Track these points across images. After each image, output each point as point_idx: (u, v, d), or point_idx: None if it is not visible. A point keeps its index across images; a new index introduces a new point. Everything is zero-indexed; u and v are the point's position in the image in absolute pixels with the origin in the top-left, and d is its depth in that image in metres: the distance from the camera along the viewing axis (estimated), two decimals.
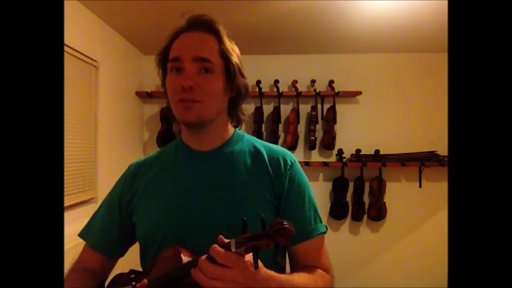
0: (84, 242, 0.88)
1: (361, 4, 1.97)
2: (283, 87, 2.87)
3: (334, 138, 2.85)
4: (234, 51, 0.79)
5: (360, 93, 2.88)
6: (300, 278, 0.70)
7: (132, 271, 0.79)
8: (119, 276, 0.80)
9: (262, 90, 2.81)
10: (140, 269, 0.81)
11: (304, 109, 2.92)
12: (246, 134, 0.89)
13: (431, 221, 2.95)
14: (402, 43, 2.68)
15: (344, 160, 2.86)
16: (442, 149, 2.83)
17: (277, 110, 2.84)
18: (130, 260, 0.93)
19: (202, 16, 0.78)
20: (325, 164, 2.85)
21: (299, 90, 2.82)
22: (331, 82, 2.86)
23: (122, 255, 0.90)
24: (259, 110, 2.84)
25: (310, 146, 2.87)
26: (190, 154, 0.83)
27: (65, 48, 1.81)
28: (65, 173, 1.82)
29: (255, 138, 0.89)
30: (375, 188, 2.86)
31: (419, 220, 2.96)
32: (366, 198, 2.92)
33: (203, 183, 0.79)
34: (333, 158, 2.96)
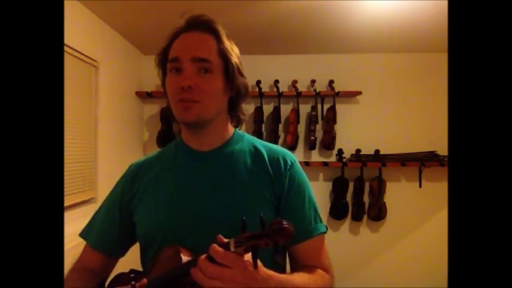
0: (85, 242, 0.88)
1: (361, 4, 1.97)
2: (283, 87, 2.87)
3: (334, 138, 2.85)
4: (233, 51, 0.79)
5: (360, 93, 2.88)
6: (299, 278, 0.70)
7: (132, 271, 0.79)
8: (119, 276, 0.80)
9: (262, 90, 2.81)
10: (141, 269, 0.81)
11: (304, 109, 2.92)
12: (246, 134, 0.89)
13: (431, 221, 2.95)
14: (402, 43, 2.68)
15: (344, 160, 2.86)
16: (442, 149, 2.83)
17: (277, 110, 2.84)
18: (130, 260, 0.93)
19: (201, 16, 0.78)
20: (325, 164, 2.85)
21: (299, 90, 2.82)
22: (331, 82, 2.86)
23: (123, 255, 0.90)
24: (259, 110, 2.84)
25: (310, 146, 2.87)
26: (190, 154, 0.83)
27: (65, 48, 1.81)
28: (65, 173, 1.82)
29: (255, 138, 0.89)
30: (375, 188, 2.86)
31: (419, 220, 2.96)
32: (366, 198, 2.92)
33: (203, 183, 0.79)
34: (333, 158, 2.96)
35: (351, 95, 2.91)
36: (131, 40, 2.64)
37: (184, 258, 0.66)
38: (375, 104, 2.96)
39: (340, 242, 2.97)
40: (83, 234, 0.89)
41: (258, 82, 2.83)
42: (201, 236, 0.66)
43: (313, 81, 2.86)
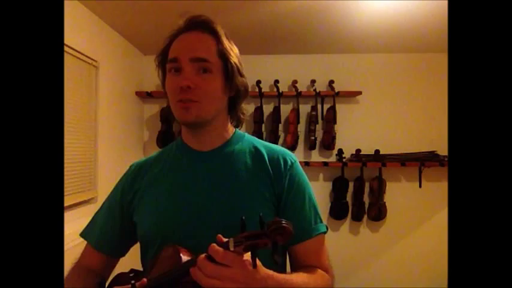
0: (85, 242, 0.88)
1: (361, 4, 1.97)
2: (283, 87, 2.87)
3: (334, 138, 2.85)
4: (232, 50, 0.79)
5: (360, 93, 2.88)
6: (299, 277, 0.70)
7: (132, 270, 0.79)
8: (120, 275, 0.80)
9: (262, 90, 2.82)
10: (141, 269, 0.81)
11: (304, 109, 2.92)
12: (246, 134, 0.89)
13: (431, 221, 2.95)
14: (402, 43, 2.68)
15: (344, 160, 2.87)
16: (442, 149, 2.83)
17: (277, 110, 2.84)
18: (131, 260, 0.93)
19: (200, 16, 0.78)
20: (325, 164, 2.85)
21: (299, 90, 2.82)
22: (331, 82, 2.86)
23: (123, 254, 0.90)
24: (259, 110, 2.84)
25: (310, 146, 2.87)
26: (190, 154, 0.83)
27: (65, 48, 1.81)
28: (65, 173, 1.82)
29: (255, 138, 0.89)
30: (375, 188, 2.86)
31: (419, 220, 2.96)
32: (366, 198, 2.92)
33: (203, 183, 0.79)
34: (333, 158, 2.96)
35: (351, 95, 2.91)
36: (131, 40, 2.64)
37: (184, 257, 0.66)
38: (375, 104, 2.96)
39: (340, 242, 2.97)
40: (83, 234, 0.89)
41: (258, 82, 2.83)
42: (201, 236, 0.66)
43: (313, 81, 2.86)
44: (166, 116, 2.84)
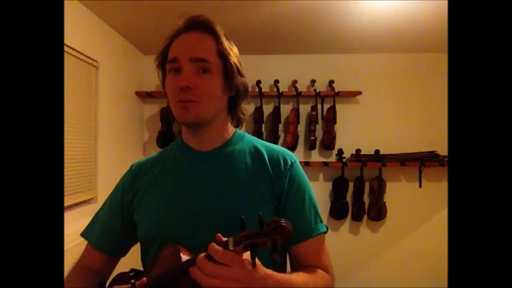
0: (86, 242, 0.88)
1: (361, 4, 1.97)
2: (283, 87, 2.87)
3: (334, 138, 2.85)
4: (232, 50, 0.79)
5: (360, 93, 2.88)
6: (298, 277, 0.70)
7: (132, 270, 0.79)
8: (120, 275, 0.80)
9: (262, 90, 2.81)
10: (142, 269, 0.81)
11: (304, 109, 2.92)
12: (246, 134, 0.89)
13: (431, 221, 2.95)
14: (402, 43, 2.68)
15: (344, 160, 2.87)
16: (442, 149, 2.83)
17: (277, 110, 2.84)
18: (131, 260, 0.93)
19: (199, 17, 0.78)
20: (325, 164, 2.85)
21: (299, 90, 2.82)
22: (331, 82, 2.86)
23: (124, 254, 0.90)
24: (259, 110, 2.84)
25: (310, 146, 2.87)
26: (190, 154, 0.83)
27: (65, 48, 1.81)
28: (65, 173, 1.82)
29: (255, 138, 0.89)
30: (375, 188, 2.86)
31: (419, 220, 2.96)
32: (366, 198, 2.92)
33: (203, 183, 0.79)
34: (333, 158, 2.96)
35: (351, 95, 2.91)
36: (131, 40, 2.64)
37: (184, 257, 0.66)
38: (375, 104, 2.96)
39: (340, 242, 2.97)
40: (84, 234, 0.89)
41: (258, 82, 2.83)
42: (201, 236, 0.66)
43: (313, 81, 2.86)
44: (166, 116, 2.84)
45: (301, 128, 2.93)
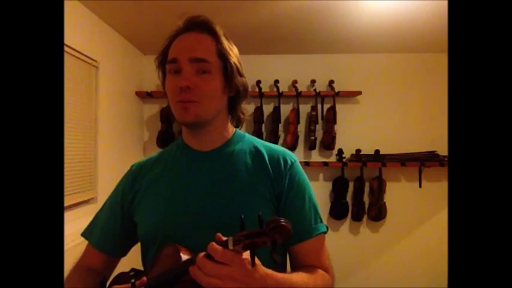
0: (86, 242, 0.88)
1: (361, 4, 1.97)
2: (283, 87, 2.87)
3: (334, 138, 2.85)
4: (232, 50, 0.79)
5: (360, 93, 2.88)
6: (298, 277, 0.70)
7: (132, 270, 0.79)
8: (120, 275, 0.80)
9: (262, 90, 2.82)
10: (142, 269, 0.81)
11: (304, 109, 2.92)
12: (246, 134, 0.89)
13: (431, 221, 2.95)
14: (402, 43, 2.68)
15: (344, 160, 2.87)
16: (442, 149, 2.83)
17: (277, 110, 2.84)
18: (132, 259, 0.93)
19: (199, 17, 0.79)
20: (325, 164, 2.85)
21: (299, 90, 2.82)
22: (331, 82, 2.86)
23: (125, 254, 0.90)
24: (259, 110, 2.84)
25: (310, 146, 2.87)
26: (190, 154, 0.83)
27: (65, 48, 1.81)
28: (65, 173, 1.82)
29: (255, 138, 0.89)
30: (375, 188, 2.86)
31: (419, 220, 2.96)
32: (366, 198, 2.92)
33: (204, 183, 0.79)
34: (333, 158, 2.96)
35: (351, 95, 2.91)
36: (131, 40, 2.64)
37: (184, 256, 0.66)
38: (375, 104, 2.96)
39: (340, 242, 2.97)
40: (84, 234, 0.89)
41: (258, 82, 2.83)
42: (202, 236, 0.66)
43: (313, 81, 2.86)
44: (166, 116, 2.84)
45: (301, 128, 2.93)
